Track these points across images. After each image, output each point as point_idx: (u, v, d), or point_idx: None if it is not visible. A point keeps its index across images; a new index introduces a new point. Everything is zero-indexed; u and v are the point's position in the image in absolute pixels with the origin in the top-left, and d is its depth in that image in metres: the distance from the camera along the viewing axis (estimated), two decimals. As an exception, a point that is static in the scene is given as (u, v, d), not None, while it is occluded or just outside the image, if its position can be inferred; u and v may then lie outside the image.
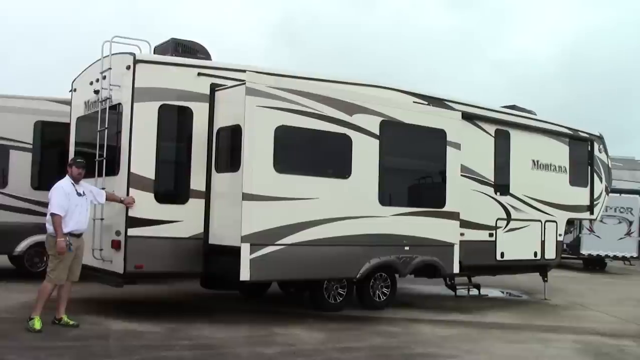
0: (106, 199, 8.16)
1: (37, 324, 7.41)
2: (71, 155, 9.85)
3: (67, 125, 10.20)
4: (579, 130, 13.50)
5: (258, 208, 8.10)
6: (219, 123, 8.70)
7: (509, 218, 11.82)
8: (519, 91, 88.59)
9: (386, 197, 9.53)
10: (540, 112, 13.15)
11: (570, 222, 13.99)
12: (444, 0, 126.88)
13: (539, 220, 12.35)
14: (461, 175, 10.61)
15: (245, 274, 7.99)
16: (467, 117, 11.00)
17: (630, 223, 21.12)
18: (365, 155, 9.26)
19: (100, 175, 8.61)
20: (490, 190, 11.57)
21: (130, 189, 8.18)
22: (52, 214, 7.49)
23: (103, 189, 8.31)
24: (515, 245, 11.83)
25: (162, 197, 8.43)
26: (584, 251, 20.71)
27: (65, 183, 7.73)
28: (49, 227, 7.62)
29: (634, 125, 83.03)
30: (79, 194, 7.72)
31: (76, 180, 7.80)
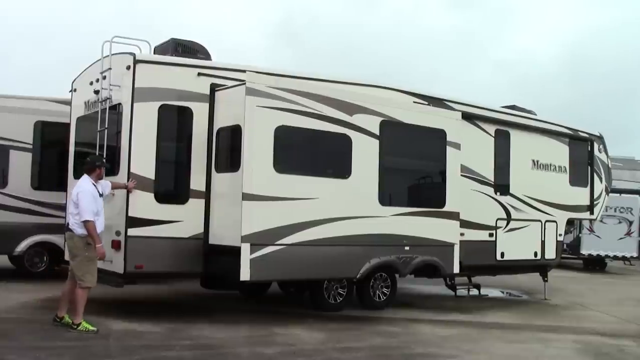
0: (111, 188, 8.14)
1: (89, 325, 7.44)
2: (71, 155, 9.87)
3: (67, 125, 10.20)
4: (578, 130, 13.50)
5: (258, 208, 8.10)
6: (219, 123, 8.70)
7: (509, 218, 11.82)
8: (521, 91, 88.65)
9: (386, 197, 9.53)
10: (542, 112, 13.16)
11: (570, 222, 14.00)
12: (446, 0, 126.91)
13: (539, 220, 12.34)
14: (461, 175, 10.60)
15: (245, 274, 7.98)
16: (467, 117, 11.00)
17: (630, 223, 21.11)
18: (365, 155, 9.26)
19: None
20: (490, 190, 11.56)
21: (130, 189, 8.18)
22: (86, 221, 7.38)
23: None
24: (515, 245, 11.83)
25: (162, 197, 8.43)
26: (584, 251, 20.71)
27: (90, 186, 7.60)
28: (79, 230, 7.46)
29: (637, 125, 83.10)
30: (100, 195, 7.68)
31: (97, 180, 7.75)
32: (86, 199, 7.45)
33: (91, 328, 7.45)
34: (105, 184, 8.03)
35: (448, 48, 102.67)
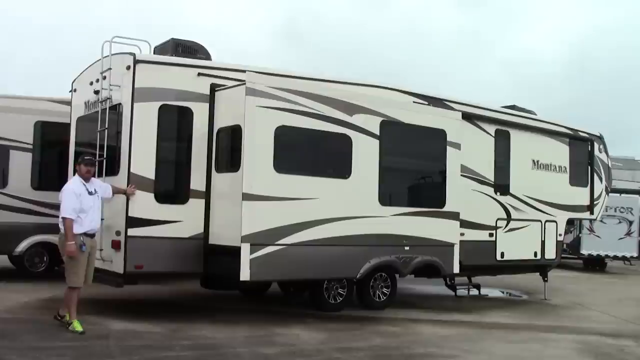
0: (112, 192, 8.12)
1: (77, 326, 7.40)
2: (71, 155, 9.86)
3: (67, 125, 10.20)
4: (579, 130, 13.51)
5: (258, 208, 8.09)
6: (219, 123, 8.70)
7: (509, 218, 11.82)
8: (526, 91, 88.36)
9: (386, 197, 9.53)
10: (545, 112, 13.19)
11: (570, 222, 14.01)
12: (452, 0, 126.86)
13: (539, 220, 12.35)
14: (461, 175, 10.61)
15: (245, 274, 7.98)
16: (467, 117, 11.00)
17: (630, 223, 21.12)
18: (365, 155, 9.26)
19: (100, 175, 8.59)
20: (490, 190, 11.57)
21: (131, 189, 8.18)
22: (63, 219, 7.38)
23: None
24: (515, 245, 11.84)
25: (162, 197, 8.43)
26: (584, 251, 20.71)
27: (75, 185, 7.59)
28: (63, 229, 7.51)
29: (637, 125, 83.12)
30: (90, 193, 7.61)
31: (86, 178, 7.69)
32: (67, 197, 7.46)
33: (78, 329, 7.36)
34: (105, 185, 8.02)
35: (455, 48, 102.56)
